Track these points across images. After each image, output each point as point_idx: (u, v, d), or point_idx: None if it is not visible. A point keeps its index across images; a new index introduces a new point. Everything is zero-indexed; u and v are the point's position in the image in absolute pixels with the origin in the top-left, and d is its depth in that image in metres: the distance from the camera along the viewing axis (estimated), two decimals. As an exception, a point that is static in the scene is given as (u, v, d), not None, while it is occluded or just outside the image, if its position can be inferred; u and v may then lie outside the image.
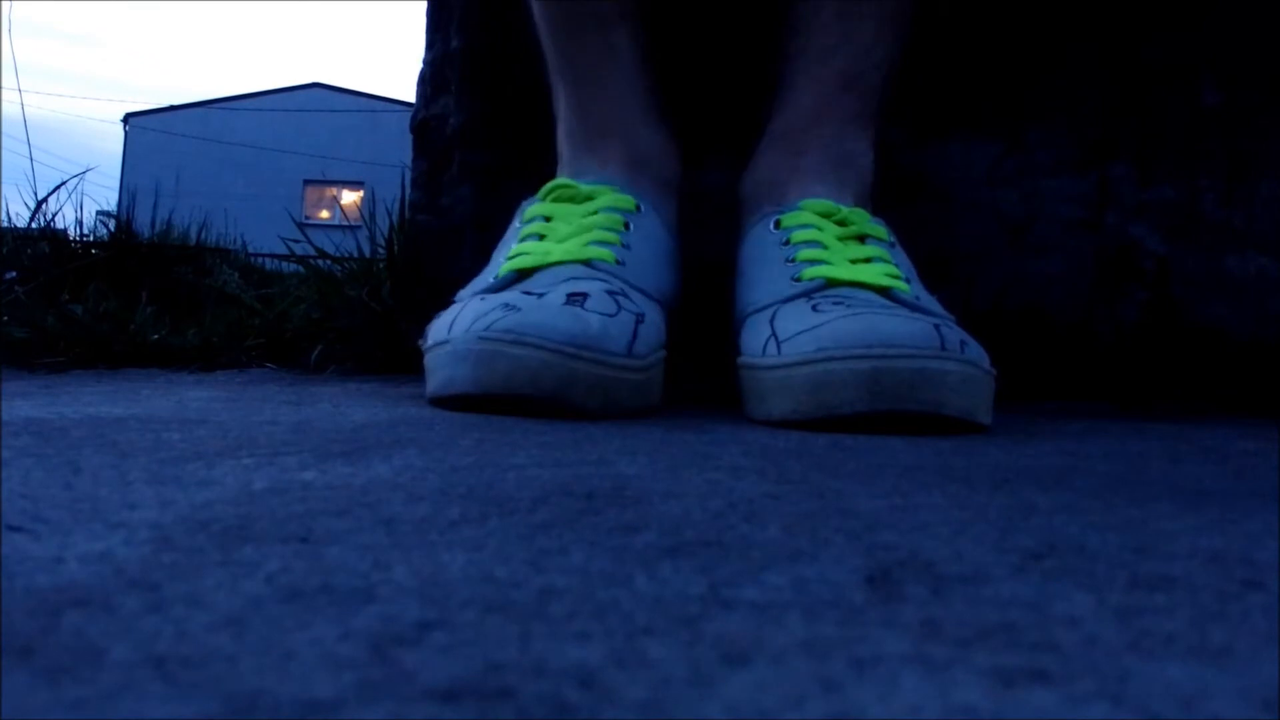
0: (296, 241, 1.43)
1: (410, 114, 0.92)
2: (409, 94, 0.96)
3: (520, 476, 0.35)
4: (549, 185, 0.67)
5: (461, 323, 0.57)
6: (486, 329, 0.54)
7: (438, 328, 0.60)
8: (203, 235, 2.19)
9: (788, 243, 0.63)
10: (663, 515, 0.29)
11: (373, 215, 1.13)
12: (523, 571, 0.22)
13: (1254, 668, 0.17)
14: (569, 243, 0.63)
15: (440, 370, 0.57)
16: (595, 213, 0.64)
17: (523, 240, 0.64)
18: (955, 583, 0.22)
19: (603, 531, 0.27)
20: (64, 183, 1.59)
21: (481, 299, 0.60)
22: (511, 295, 0.58)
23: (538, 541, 0.25)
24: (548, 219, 0.65)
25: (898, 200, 0.84)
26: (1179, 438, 0.55)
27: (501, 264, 0.63)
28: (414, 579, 0.22)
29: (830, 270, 0.60)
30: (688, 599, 0.21)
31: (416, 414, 0.54)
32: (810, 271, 0.60)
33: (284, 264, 1.91)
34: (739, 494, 0.32)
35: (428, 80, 0.90)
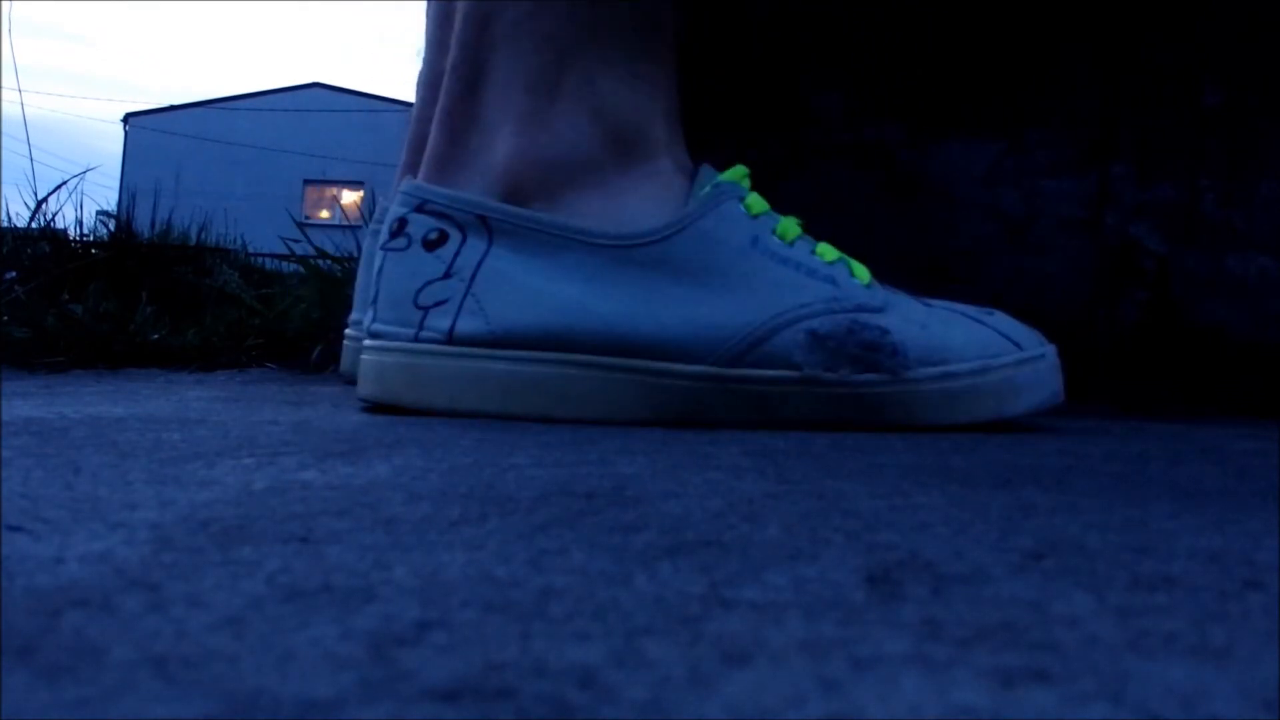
0: (296, 241, 1.43)
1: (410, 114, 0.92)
2: (409, 94, 0.96)
3: (520, 476, 0.35)
4: (741, 172, 0.59)
5: (992, 331, 0.57)
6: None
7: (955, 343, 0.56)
8: (203, 235, 2.19)
9: None
10: (663, 515, 0.29)
11: (373, 215, 1.13)
12: (523, 571, 0.22)
13: (1254, 668, 0.17)
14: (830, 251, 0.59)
15: (1041, 385, 0.58)
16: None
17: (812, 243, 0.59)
18: (955, 583, 0.22)
19: (603, 531, 0.27)
20: (64, 183, 1.59)
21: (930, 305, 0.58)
22: (967, 308, 0.59)
23: (538, 541, 0.25)
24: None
25: (898, 200, 0.84)
26: (1179, 438, 0.55)
27: (848, 268, 0.58)
28: (414, 579, 0.22)
29: None
30: (688, 599, 0.21)
31: (416, 414, 0.54)
32: None
33: (284, 264, 1.91)
34: (739, 494, 0.32)
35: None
